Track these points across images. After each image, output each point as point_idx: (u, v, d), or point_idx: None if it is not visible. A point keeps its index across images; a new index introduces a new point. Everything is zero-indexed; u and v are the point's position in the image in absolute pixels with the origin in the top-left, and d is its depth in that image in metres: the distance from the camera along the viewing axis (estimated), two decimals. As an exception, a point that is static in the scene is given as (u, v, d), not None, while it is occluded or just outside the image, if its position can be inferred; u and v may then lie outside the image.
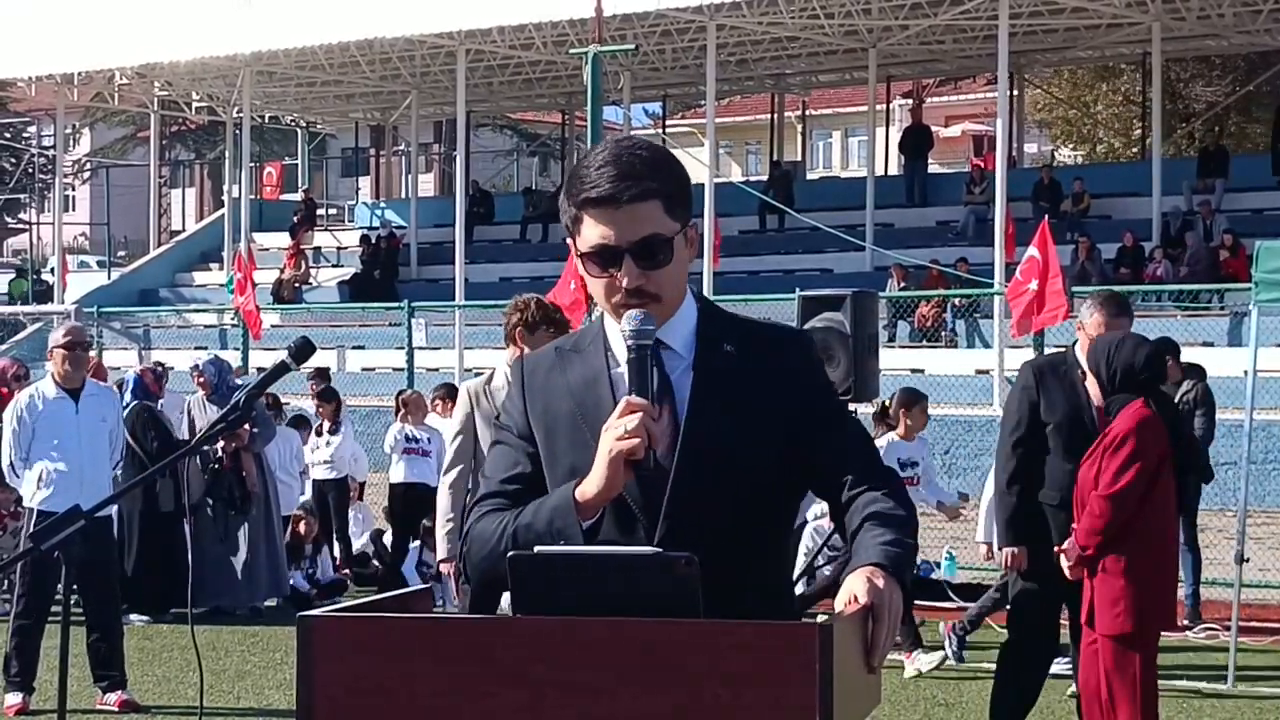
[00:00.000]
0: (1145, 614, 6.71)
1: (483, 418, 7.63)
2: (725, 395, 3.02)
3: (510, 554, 2.77)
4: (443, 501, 7.70)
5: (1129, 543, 6.69)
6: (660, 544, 2.94)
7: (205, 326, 29.53)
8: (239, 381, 13.65)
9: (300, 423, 14.78)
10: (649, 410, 2.88)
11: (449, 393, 13.65)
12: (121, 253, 43.63)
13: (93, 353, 11.92)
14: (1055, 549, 7.01)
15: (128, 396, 12.25)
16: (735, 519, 3.00)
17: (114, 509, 9.97)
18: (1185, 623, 11.27)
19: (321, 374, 16.58)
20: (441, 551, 7.64)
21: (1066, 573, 6.90)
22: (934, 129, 34.31)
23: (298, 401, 16.47)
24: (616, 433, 2.87)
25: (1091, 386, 7.14)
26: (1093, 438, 7.06)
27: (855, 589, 2.79)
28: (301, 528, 13.67)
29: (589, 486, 2.91)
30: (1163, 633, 7.18)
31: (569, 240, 3.07)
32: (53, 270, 34.04)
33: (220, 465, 12.49)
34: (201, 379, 12.90)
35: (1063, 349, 8.20)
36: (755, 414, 3.02)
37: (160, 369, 14.02)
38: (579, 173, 3.03)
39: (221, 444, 12.17)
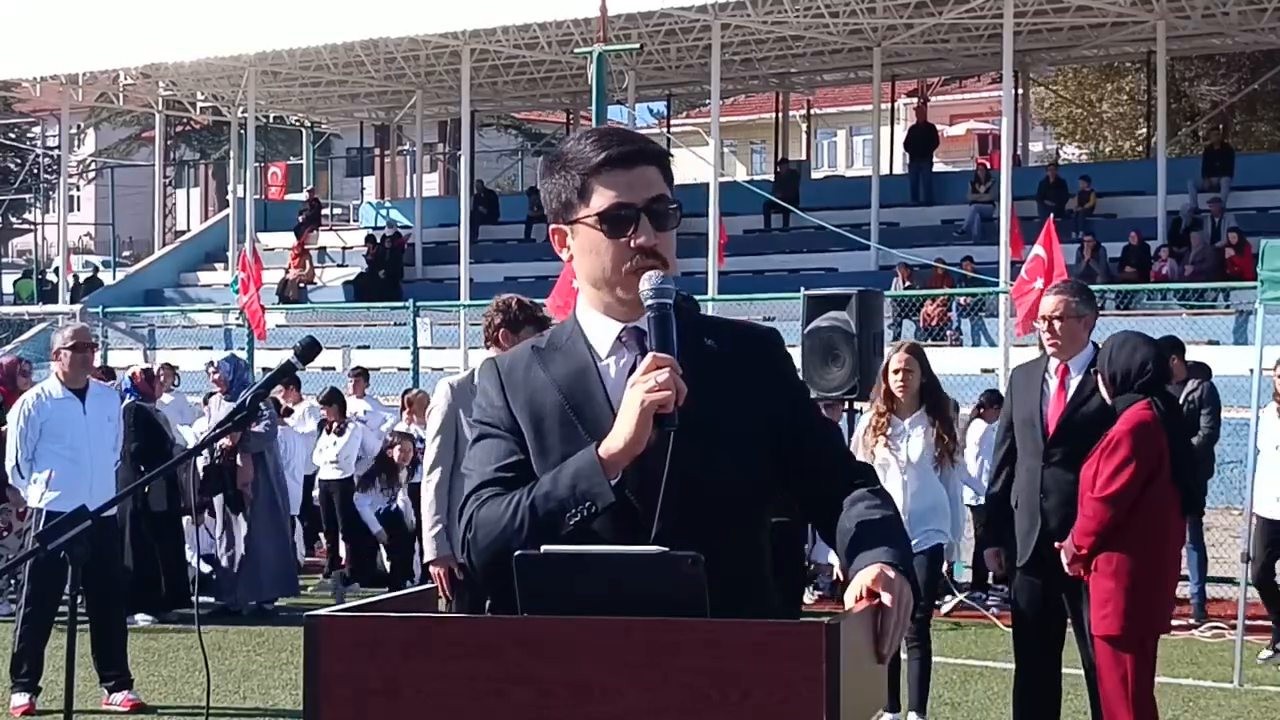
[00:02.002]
0: (1137, 616, 6.66)
1: (468, 415, 7.56)
2: (713, 385, 2.98)
3: (517, 553, 2.75)
4: (427, 504, 7.58)
5: (1122, 544, 6.66)
6: (658, 536, 2.90)
7: (210, 326, 29.52)
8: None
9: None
10: (675, 365, 2.86)
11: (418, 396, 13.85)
12: (126, 253, 43.63)
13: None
14: (1056, 545, 6.98)
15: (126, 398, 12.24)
16: (726, 509, 2.99)
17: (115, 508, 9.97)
18: (1191, 621, 11.27)
19: (362, 374, 16.64)
20: (430, 553, 7.51)
21: (1066, 569, 6.88)
22: (939, 128, 34.25)
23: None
24: (647, 385, 2.83)
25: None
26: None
27: (866, 583, 2.82)
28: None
29: (614, 443, 2.87)
30: (1170, 632, 7.15)
31: (559, 224, 3.08)
32: (57, 270, 34.02)
33: (220, 464, 12.51)
34: (217, 375, 12.96)
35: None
36: (742, 404, 3.02)
37: (151, 371, 14.00)
38: (576, 149, 3.04)
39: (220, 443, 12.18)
